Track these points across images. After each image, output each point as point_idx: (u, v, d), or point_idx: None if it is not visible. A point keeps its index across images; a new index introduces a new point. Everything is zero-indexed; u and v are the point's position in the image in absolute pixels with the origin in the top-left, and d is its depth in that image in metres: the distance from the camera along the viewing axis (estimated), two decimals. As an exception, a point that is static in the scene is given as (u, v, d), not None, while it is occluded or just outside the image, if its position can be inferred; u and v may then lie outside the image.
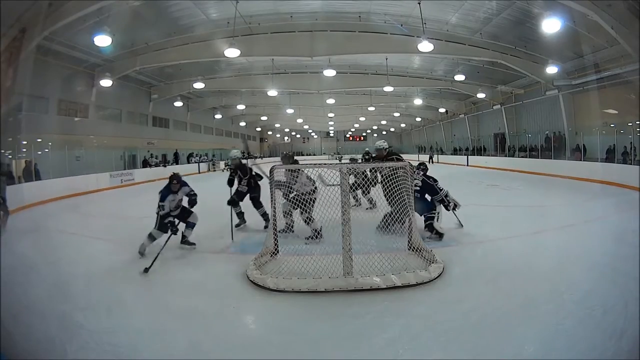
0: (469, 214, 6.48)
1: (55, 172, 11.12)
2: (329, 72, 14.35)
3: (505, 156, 18.87)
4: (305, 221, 4.69)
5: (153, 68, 14.94)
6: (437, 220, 5.04)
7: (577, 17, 9.31)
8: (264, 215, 5.63)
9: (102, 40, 9.52)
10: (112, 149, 15.35)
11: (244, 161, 5.87)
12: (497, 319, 2.71)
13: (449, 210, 5.20)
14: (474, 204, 7.70)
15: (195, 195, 4.63)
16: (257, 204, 5.75)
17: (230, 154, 5.86)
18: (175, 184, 4.42)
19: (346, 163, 5.39)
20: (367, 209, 6.36)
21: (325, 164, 4.22)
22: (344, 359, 2.34)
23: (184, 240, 4.69)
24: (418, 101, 21.46)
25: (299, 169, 4.86)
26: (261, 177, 5.74)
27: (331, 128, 40.05)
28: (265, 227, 5.39)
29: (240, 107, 24.58)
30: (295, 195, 4.69)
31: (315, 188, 4.58)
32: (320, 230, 4.61)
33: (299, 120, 30.32)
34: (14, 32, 7.29)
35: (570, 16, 9.14)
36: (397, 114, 29.36)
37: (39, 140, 11.69)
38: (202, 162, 21.84)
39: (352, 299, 3.11)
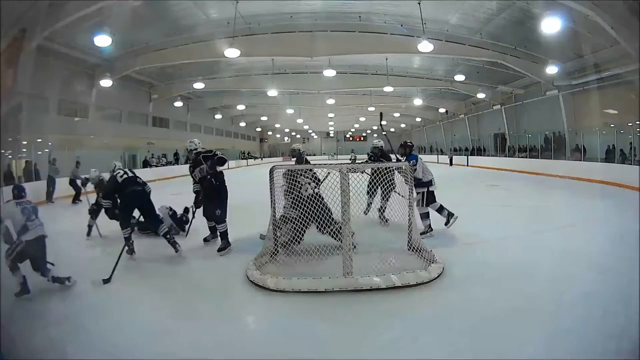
0: (469, 214, 6.49)
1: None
2: (329, 72, 14.36)
3: (505, 156, 18.87)
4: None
5: (153, 68, 14.94)
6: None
7: (577, 17, 9.31)
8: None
9: (102, 40, 9.53)
10: (112, 149, 15.35)
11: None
12: (497, 319, 2.70)
13: None
14: (474, 204, 7.71)
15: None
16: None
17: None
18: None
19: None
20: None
21: (326, 164, 4.18)
22: (344, 359, 2.34)
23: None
24: (418, 101, 21.47)
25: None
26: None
27: (331, 128, 40.06)
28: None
29: (240, 107, 24.59)
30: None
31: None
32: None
33: (299, 121, 30.32)
34: (14, 32, 7.28)
35: (570, 16, 9.14)
36: (397, 114, 29.37)
37: (39, 140, 11.69)
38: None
39: (352, 299, 3.11)
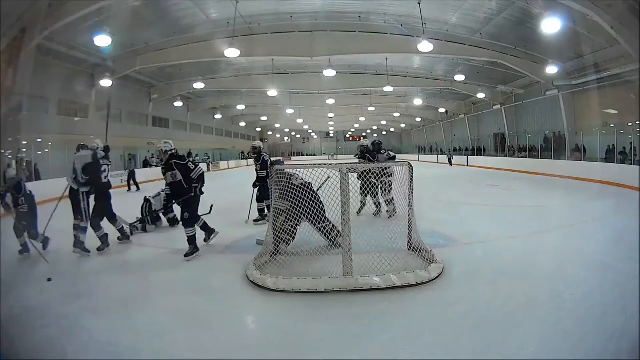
0: (469, 214, 6.49)
1: (55, 172, 11.11)
2: (329, 72, 14.34)
3: (505, 156, 18.87)
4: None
5: (153, 68, 14.95)
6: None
7: (577, 17, 9.32)
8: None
9: (102, 40, 9.52)
10: (112, 149, 15.32)
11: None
12: (497, 319, 2.70)
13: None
14: (474, 204, 7.71)
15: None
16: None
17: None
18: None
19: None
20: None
21: (325, 164, 4.16)
22: (344, 359, 2.34)
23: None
24: (418, 101, 21.47)
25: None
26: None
27: (331, 128, 40.06)
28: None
29: (240, 107, 24.59)
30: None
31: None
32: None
33: (299, 121, 30.30)
34: (14, 32, 7.28)
35: (570, 16, 9.14)
36: (397, 114, 29.37)
37: (39, 140, 11.69)
38: (201, 162, 21.87)
39: (352, 299, 3.11)
